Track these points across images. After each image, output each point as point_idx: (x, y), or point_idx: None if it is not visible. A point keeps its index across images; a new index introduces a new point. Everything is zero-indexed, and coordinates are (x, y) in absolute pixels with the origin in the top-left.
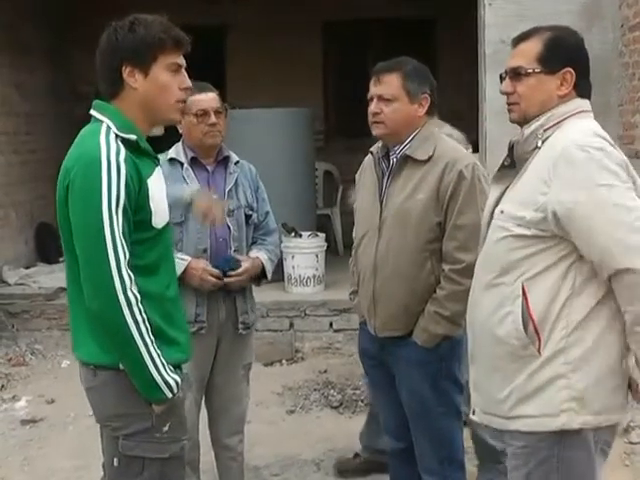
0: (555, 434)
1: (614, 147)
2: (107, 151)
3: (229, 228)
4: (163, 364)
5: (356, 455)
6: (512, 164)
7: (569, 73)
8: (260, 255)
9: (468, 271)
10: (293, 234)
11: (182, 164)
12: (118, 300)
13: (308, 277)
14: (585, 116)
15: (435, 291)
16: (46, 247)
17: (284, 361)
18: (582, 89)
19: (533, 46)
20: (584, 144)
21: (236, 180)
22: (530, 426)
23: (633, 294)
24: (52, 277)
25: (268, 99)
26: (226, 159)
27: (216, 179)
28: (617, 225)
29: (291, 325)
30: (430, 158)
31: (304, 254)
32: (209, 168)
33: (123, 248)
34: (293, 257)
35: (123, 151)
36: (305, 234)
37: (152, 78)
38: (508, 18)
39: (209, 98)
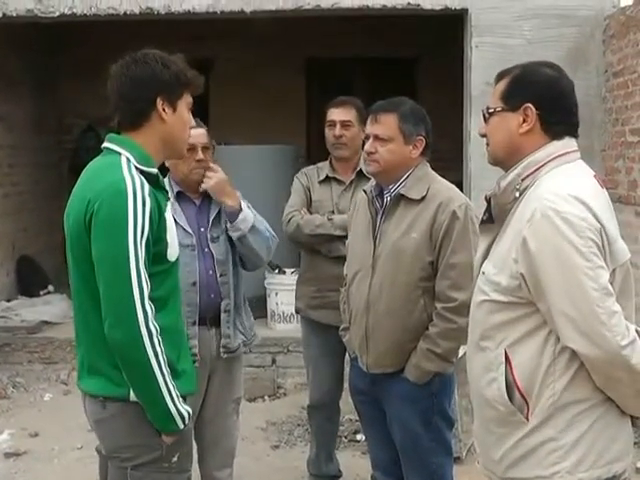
0: None
1: (588, 209)
2: (133, 183)
3: (212, 257)
4: (177, 395)
5: None
6: (490, 219)
7: (529, 109)
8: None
9: (460, 309)
10: (277, 271)
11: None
12: (140, 331)
13: (291, 314)
14: (566, 161)
15: (427, 328)
16: (27, 280)
17: (266, 397)
18: (553, 127)
19: (501, 85)
20: (551, 214)
21: (220, 208)
22: None
23: (589, 366)
24: (34, 310)
25: (251, 135)
26: None
27: (202, 212)
28: (572, 306)
29: (273, 361)
30: (424, 198)
31: (287, 291)
32: (196, 202)
33: (146, 280)
34: (277, 294)
35: (146, 184)
36: (288, 271)
37: (179, 113)
38: (494, 61)
39: (198, 134)
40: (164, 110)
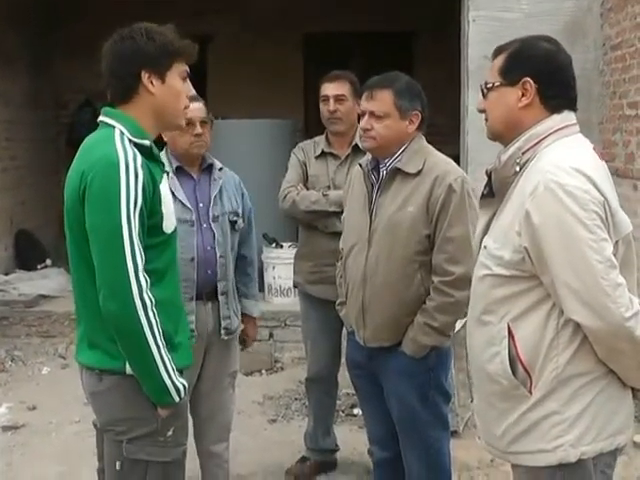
0: (554, 467)
1: (590, 181)
2: (125, 155)
3: (214, 235)
4: (173, 368)
5: (304, 458)
6: (491, 193)
7: (528, 83)
8: (254, 312)
9: (457, 283)
10: (274, 245)
11: (167, 173)
12: (134, 303)
13: (289, 288)
14: (565, 134)
15: (424, 302)
16: (25, 254)
17: (264, 371)
18: (553, 101)
19: (499, 60)
20: (554, 186)
21: (220, 187)
22: (528, 461)
23: (592, 338)
24: (32, 284)
25: (249, 110)
26: (210, 166)
27: (202, 187)
28: (576, 278)
29: (271, 335)
30: (420, 171)
31: (285, 265)
32: (194, 176)
33: (140, 251)
34: (274, 268)
35: (139, 156)
36: (286, 245)
37: (168, 85)
38: (491, 35)
39: (195, 108)
40: (151, 83)
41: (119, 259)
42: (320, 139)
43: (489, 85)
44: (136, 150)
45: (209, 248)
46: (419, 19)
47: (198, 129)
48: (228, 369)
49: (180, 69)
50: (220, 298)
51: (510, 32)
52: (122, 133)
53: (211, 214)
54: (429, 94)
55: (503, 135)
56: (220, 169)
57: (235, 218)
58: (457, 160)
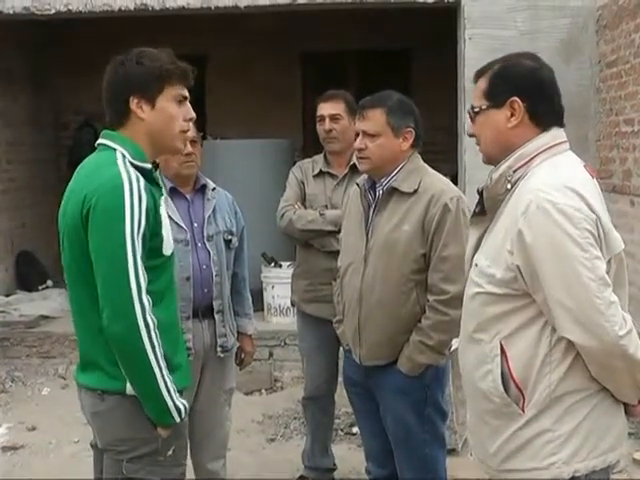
0: None
1: (583, 200)
2: (129, 178)
3: (209, 254)
4: (174, 389)
5: (302, 477)
6: (482, 211)
7: (516, 102)
8: (249, 329)
9: (453, 302)
10: (272, 264)
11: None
12: (137, 324)
13: (288, 307)
14: (556, 152)
15: (420, 321)
16: (26, 275)
17: (263, 390)
18: (542, 118)
19: (482, 83)
20: (547, 205)
21: (214, 206)
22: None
23: (585, 357)
24: (33, 305)
25: (248, 129)
26: (204, 187)
27: (195, 207)
28: (569, 297)
29: (270, 354)
30: (416, 191)
31: (283, 284)
32: (188, 197)
33: (143, 273)
34: (273, 287)
35: (142, 179)
36: (285, 264)
37: (159, 109)
38: (488, 53)
39: None
40: (140, 108)
41: (123, 280)
42: (319, 158)
43: (476, 109)
44: (138, 173)
45: (205, 267)
46: (417, 37)
47: (188, 148)
48: (224, 386)
49: (173, 92)
50: (216, 316)
51: (506, 50)
52: (124, 156)
53: (205, 234)
54: (427, 112)
55: (497, 157)
56: (213, 189)
57: (229, 237)
58: (455, 178)
